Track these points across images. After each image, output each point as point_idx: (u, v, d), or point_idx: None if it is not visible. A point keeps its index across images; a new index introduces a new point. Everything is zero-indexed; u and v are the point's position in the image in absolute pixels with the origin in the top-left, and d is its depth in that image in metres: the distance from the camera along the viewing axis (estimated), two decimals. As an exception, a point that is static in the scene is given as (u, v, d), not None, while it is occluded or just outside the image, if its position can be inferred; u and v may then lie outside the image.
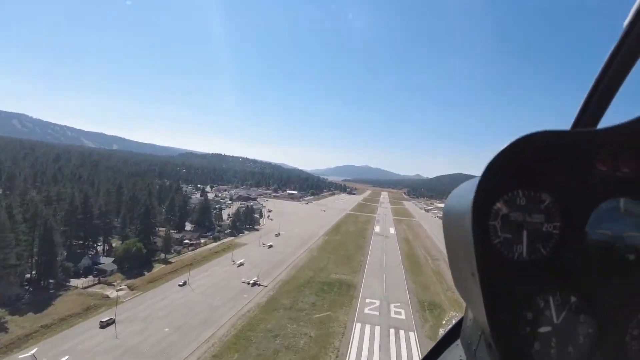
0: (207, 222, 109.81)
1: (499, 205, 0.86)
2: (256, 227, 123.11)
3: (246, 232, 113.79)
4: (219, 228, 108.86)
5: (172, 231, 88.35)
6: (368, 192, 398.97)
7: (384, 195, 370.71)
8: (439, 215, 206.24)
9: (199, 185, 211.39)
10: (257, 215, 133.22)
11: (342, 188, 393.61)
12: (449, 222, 1.03)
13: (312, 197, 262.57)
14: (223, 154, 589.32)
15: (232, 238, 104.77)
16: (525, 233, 0.86)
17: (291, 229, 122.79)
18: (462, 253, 0.91)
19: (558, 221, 0.86)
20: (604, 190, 0.83)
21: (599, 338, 0.85)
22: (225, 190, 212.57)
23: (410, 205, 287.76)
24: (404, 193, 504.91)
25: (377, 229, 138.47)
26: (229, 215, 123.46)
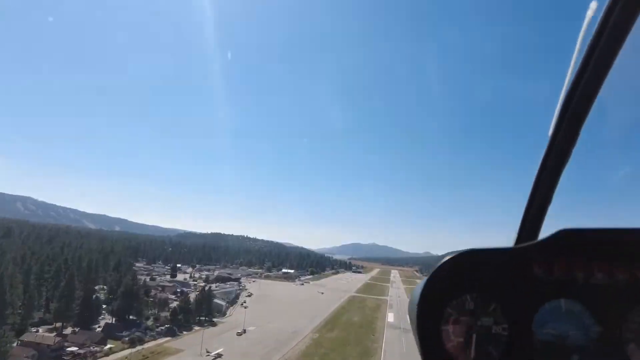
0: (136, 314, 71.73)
1: (448, 310, 0.88)
2: (217, 319, 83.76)
3: (197, 327, 74.59)
4: (148, 324, 70.16)
5: (47, 333, 51.13)
6: (376, 271, 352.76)
7: (395, 274, 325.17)
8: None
9: (178, 265, 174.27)
10: (223, 303, 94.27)
11: (347, 266, 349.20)
12: (411, 315, 1.01)
13: (310, 276, 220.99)
14: (223, 233, 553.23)
15: (168, 339, 65.78)
16: (474, 337, 0.87)
17: (267, 322, 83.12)
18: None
19: (505, 323, 0.88)
20: (544, 292, 0.87)
21: None
22: (208, 271, 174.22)
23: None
24: (416, 271, 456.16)
25: (390, 317, 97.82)
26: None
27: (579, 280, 0.86)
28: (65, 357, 50.85)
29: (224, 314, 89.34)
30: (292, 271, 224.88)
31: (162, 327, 69.41)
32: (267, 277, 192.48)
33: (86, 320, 64.58)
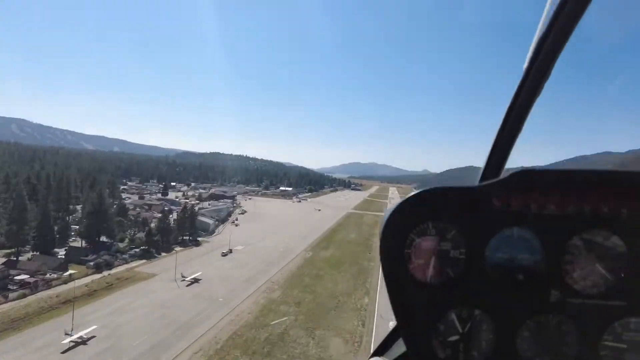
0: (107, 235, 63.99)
1: (412, 235, 0.96)
2: (203, 238, 76.89)
3: (179, 248, 67.61)
4: (120, 246, 62.66)
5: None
6: (375, 188, 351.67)
7: (393, 191, 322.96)
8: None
9: (173, 184, 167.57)
10: (211, 221, 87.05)
11: (346, 184, 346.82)
12: (379, 236, 1.10)
13: (309, 194, 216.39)
14: (221, 152, 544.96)
15: (142, 262, 58.71)
16: (433, 259, 0.97)
17: (257, 241, 76.39)
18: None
19: (463, 248, 0.97)
20: (501, 222, 0.96)
21: (496, 342, 0.99)
22: (204, 189, 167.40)
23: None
24: (414, 188, 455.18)
25: None
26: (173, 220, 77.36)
27: (532, 211, 0.96)
28: (11, 287, 43.29)
29: (211, 233, 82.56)
30: (290, 189, 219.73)
31: (138, 250, 62.05)
32: (264, 195, 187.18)
33: (49, 244, 56.72)
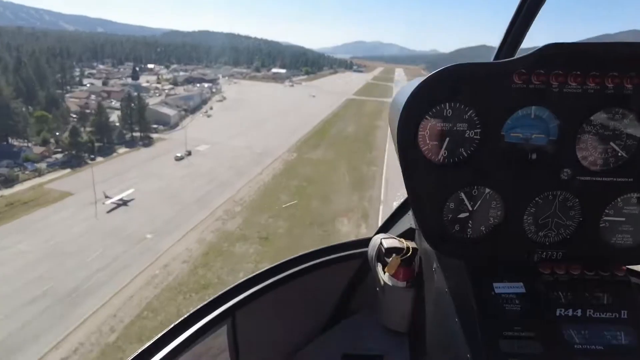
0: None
1: (427, 117, 0.96)
2: (160, 135, 60.16)
3: (122, 150, 51.55)
4: (35, 152, 46.31)
5: None
6: (379, 70, 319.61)
7: (399, 73, 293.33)
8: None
9: (151, 66, 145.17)
10: (171, 113, 69.01)
11: (347, 65, 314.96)
12: (391, 119, 1.14)
13: (305, 76, 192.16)
14: (211, 30, 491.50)
15: (65, 173, 43.21)
16: (447, 140, 0.98)
17: (228, 138, 59.46)
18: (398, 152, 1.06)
19: (479, 128, 0.98)
20: (519, 100, 0.96)
21: (505, 218, 1.04)
22: (186, 72, 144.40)
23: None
24: (423, 70, 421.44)
25: None
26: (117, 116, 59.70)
27: (553, 89, 0.94)
28: None
29: (172, 127, 65.46)
30: (283, 71, 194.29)
31: (61, 155, 46.01)
32: (252, 78, 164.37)
33: None
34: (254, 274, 1.48)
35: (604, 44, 0.88)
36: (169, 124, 65.48)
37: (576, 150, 0.99)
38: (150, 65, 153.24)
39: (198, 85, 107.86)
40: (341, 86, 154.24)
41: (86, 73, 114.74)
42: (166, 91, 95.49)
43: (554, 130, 0.98)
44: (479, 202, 1.03)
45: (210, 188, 40.62)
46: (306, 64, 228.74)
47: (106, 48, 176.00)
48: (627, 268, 1.08)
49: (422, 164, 0.99)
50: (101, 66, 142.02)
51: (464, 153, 1.01)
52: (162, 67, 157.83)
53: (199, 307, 1.33)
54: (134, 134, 57.03)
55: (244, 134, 62.16)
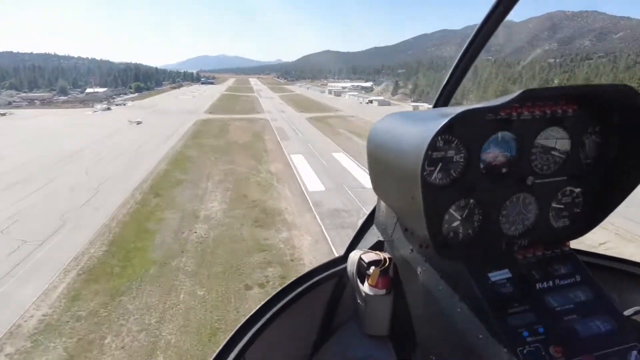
0: None
1: (428, 151, 1.11)
2: None
3: None
4: None
5: None
6: (232, 80, 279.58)
7: (256, 82, 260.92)
8: (364, 102, 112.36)
9: None
10: None
11: (194, 78, 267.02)
12: (381, 152, 1.36)
13: (134, 95, 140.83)
14: (19, 52, 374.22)
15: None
16: (440, 165, 1.19)
17: None
18: (397, 179, 1.26)
19: (462, 153, 1.20)
20: (491, 129, 1.19)
21: (485, 220, 1.28)
22: None
23: (303, 89, 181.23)
24: (276, 77, 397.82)
25: (314, 181, 30.12)
26: None
27: (513, 118, 1.19)
28: None
29: None
30: (102, 90, 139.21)
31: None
32: (47, 105, 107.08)
33: None
34: (240, 324, 1.53)
35: (553, 88, 1.17)
36: None
37: (530, 161, 1.27)
38: None
39: None
40: (187, 103, 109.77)
41: None
42: None
43: (515, 149, 1.24)
44: (466, 211, 1.25)
45: None
46: (137, 79, 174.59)
47: None
48: (570, 244, 1.39)
49: (425, 187, 1.14)
50: None
51: (453, 174, 1.22)
52: None
53: None
54: None
55: None
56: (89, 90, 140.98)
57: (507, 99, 1.03)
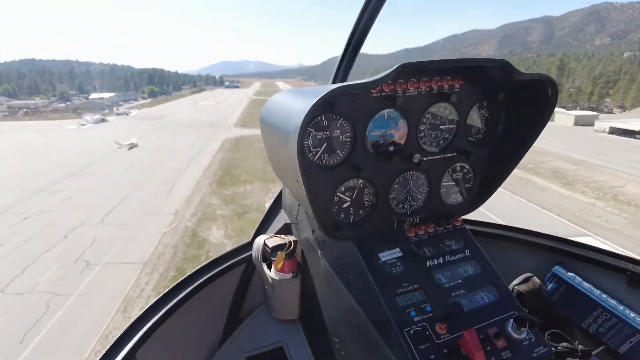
0: None
1: (309, 128, 1.11)
2: None
3: None
4: None
5: None
6: (257, 84, 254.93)
7: (285, 85, 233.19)
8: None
9: None
10: None
11: (217, 82, 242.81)
12: (271, 132, 1.29)
13: (146, 100, 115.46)
14: (39, 58, 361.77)
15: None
16: (325, 145, 1.14)
17: None
18: (286, 161, 1.17)
19: (349, 132, 1.15)
20: (376, 106, 1.15)
21: (376, 199, 1.26)
22: None
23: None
24: (305, 80, 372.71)
25: None
26: None
27: (398, 95, 1.14)
28: None
29: None
30: (108, 95, 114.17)
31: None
32: (30, 115, 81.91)
33: None
34: (143, 310, 1.46)
35: (431, 61, 1.07)
36: None
37: (418, 138, 1.24)
38: None
39: None
40: (211, 110, 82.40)
41: None
42: None
43: (402, 126, 1.20)
44: (356, 191, 1.23)
45: None
46: (152, 83, 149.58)
47: None
48: (462, 219, 1.38)
49: (311, 168, 1.13)
50: None
51: (340, 154, 1.17)
52: None
53: (100, 356, 1.29)
54: None
55: None
56: (93, 95, 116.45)
57: (385, 74, 1.00)
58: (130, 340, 1.33)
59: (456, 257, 1.25)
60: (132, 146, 41.49)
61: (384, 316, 1.09)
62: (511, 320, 1.08)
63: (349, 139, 1.16)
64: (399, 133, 1.22)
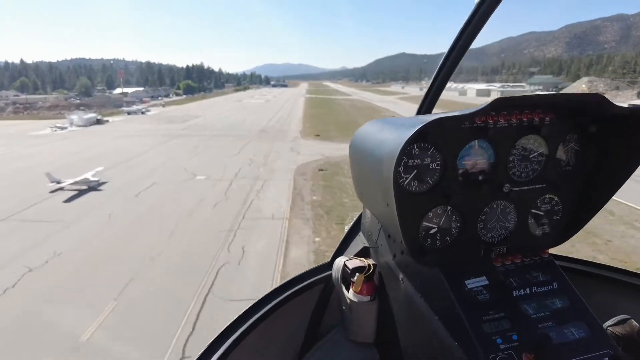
0: None
1: (403, 157, 1.13)
2: None
3: None
4: None
5: None
6: (304, 85, 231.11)
7: (336, 85, 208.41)
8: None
9: None
10: None
11: (262, 81, 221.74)
12: (361, 158, 1.33)
13: (181, 97, 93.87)
14: (88, 57, 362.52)
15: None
16: (415, 172, 1.15)
17: None
18: (375, 185, 1.21)
19: (439, 160, 1.16)
20: (467, 137, 1.16)
21: (463, 227, 1.24)
22: None
23: (412, 91, 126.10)
24: (350, 80, 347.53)
25: None
26: None
27: (489, 126, 1.16)
28: None
29: None
30: (133, 90, 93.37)
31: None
32: (22, 112, 61.24)
33: None
34: (222, 329, 1.47)
35: (525, 96, 1.12)
36: None
37: (507, 168, 1.23)
38: None
39: None
40: (258, 111, 55.64)
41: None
42: None
43: (492, 156, 1.21)
44: (443, 218, 1.22)
45: None
46: (189, 78, 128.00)
47: None
48: (551, 252, 1.34)
49: (402, 194, 1.14)
50: None
51: (429, 181, 1.17)
52: None
53: None
54: None
55: None
56: (117, 90, 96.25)
57: (480, 107, 1.03)
58: (221, 346, 1.37)
59: (544, 289, 1.23)
60: (78, 191, 16.54)
61: (470, 341, 1.09)
62: (606, 359, 1.06)
63: (438, 167, 1.19)
64: (489, 163, 1.23)
